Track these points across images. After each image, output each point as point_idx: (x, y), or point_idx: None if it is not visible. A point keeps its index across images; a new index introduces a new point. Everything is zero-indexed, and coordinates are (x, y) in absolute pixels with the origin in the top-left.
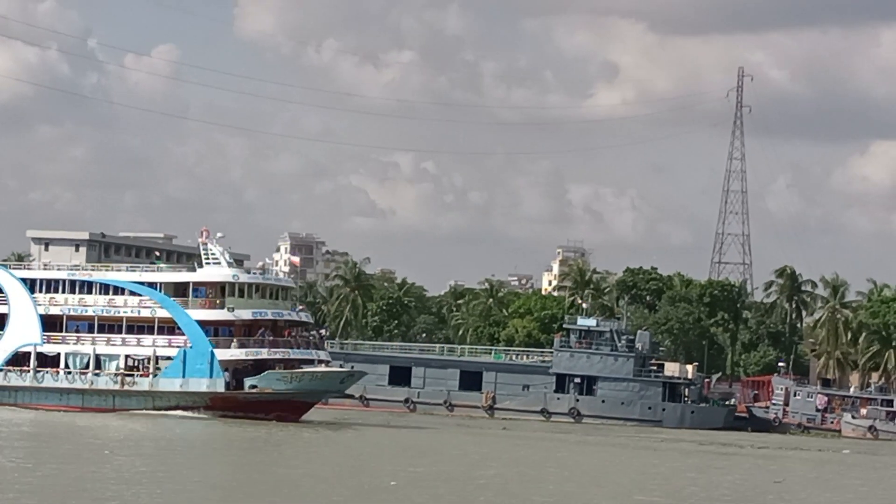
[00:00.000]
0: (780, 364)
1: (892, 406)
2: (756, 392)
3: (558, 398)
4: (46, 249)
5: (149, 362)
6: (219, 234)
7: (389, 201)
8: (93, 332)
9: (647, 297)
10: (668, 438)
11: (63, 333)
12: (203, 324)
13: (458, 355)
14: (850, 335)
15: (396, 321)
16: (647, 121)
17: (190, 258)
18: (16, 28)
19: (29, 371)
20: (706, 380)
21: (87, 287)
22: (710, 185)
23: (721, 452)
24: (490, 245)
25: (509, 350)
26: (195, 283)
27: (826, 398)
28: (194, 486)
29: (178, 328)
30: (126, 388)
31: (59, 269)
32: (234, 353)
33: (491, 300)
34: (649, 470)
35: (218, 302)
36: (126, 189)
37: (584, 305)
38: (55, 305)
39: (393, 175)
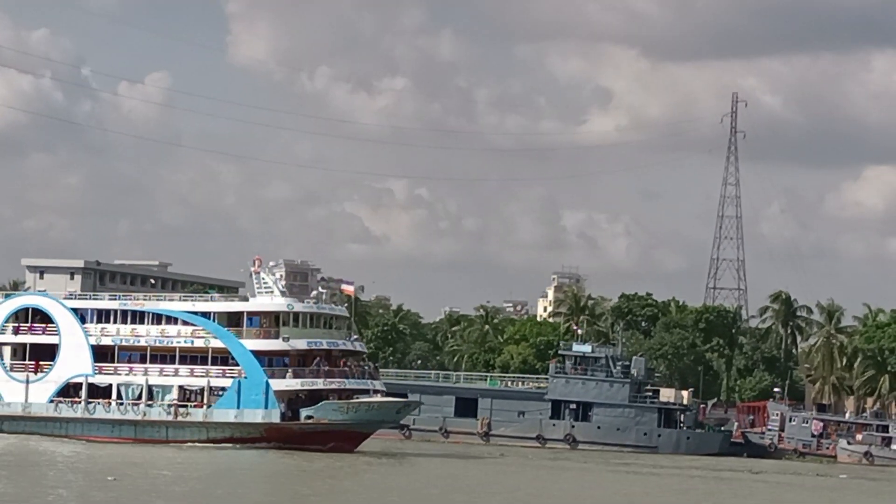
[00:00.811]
0: (776, 389)
1: (887, 432)
2: (752, 417)
3: (554, 424)
4: (41, 278)
5: (202, 393)
6: (271, 263)
7: (383, 228)
8: (145, 363)
9: (643, 323)
10: (666, 465)
11: (115, 364)
12: (257, 354)
13: (453, 382)
14: (845, 360)
15: (392, 348)
16: (640, 146)
17: (185, 286)
18: (9, 56)
19: (80, 402)
20: (702, 405)
21: (138, 317)
22: (704, 211)
23: (719, 478)
24: (485, 271)
25: (505, 376)
26: (249, 313)
27: (822, 424)
28: None
29: (233, 358)
30: (179, 419)
31: (110, 299)
32: (289, 383)
33: (486, 326)
34: (648, 496)
35: (272, 332)
36: (120, 217)
37: (580, 332)
38: (106, 336)
39: (387, 202)
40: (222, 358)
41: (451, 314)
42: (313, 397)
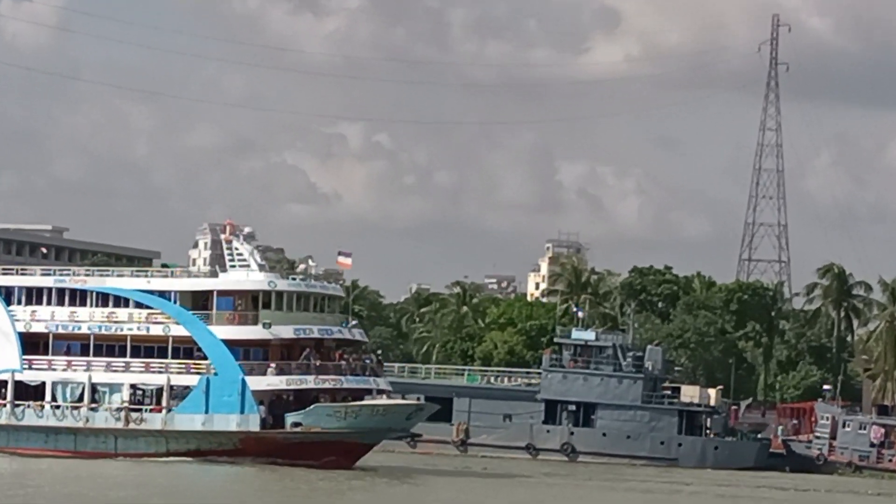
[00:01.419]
0: (826, 387)
1: None
2: (796, 422)
3: (548, 431)
4: None
5: (161, 394)
6: (246, 230)
7: (334, 184)
8: (87, 356)
9: (659, 304)
10: (689, 482)
11: (49, 357)
12: (231, 344)
13: (422, 378)
14: None
15: None
16: (656, 82)
17: (85, 256)
18: None
19: (4, 405)
20: (733, 407)
21: (79, 297)
22: (735, 163)
23: (757, 497)
24: (462, 239)
25: (487, 371)
26: (220, 292)
27: (882, 430)
28: None
29: (199, 349)
30: (132, 426)
31: (43, 275)
32: (271, 381)
33: (464, 308)
34: None
35: (249, 316)
36: (4, 169)
37: (581, 314)
38: (38, 321)
39: (338, 151)
40: (186, 349)
41: (419, 292)
42: (301, 399)
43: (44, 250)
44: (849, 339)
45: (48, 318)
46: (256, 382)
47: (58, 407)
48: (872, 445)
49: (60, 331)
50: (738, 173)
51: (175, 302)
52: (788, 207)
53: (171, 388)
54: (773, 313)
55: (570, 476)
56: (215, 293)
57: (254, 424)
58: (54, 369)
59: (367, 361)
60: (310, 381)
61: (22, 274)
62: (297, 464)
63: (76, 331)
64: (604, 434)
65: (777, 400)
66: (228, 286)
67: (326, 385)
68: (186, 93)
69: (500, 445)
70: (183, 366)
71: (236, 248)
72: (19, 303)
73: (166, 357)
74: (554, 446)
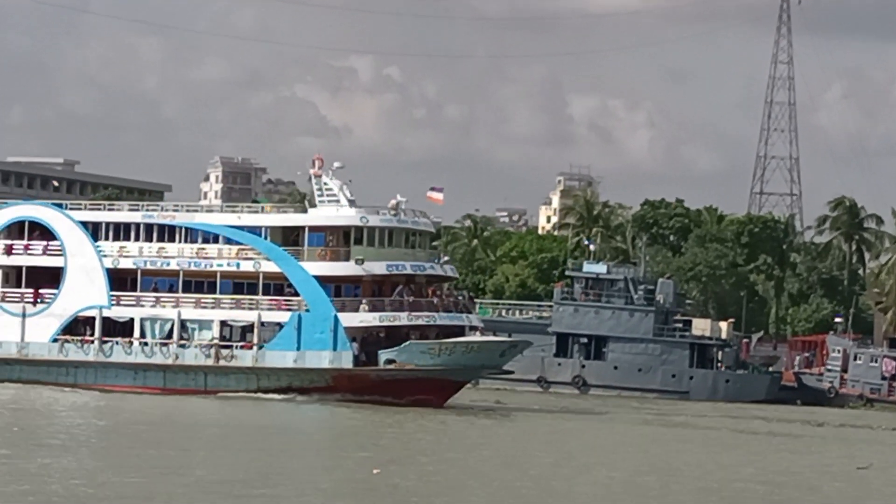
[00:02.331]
0: (838, 320)
1: None
2: (807, 355)
3: (559, 364)
4: None
5: (251, 330)
6: (336, 164)
7: (344, 117)
8: (176, 292)
9: (671, 237)
10: (700, 414)
11: (137, 293)
12: (323, 280)
13: None
14: None
15: None
16: (666, 15)
17: (96, 189)
18: None
19: (93, 342)
20: (744, 340)
21: (168, 233)
22: (747, 97)
23: (771, 432)
24: (472, 172)
25: (498, 304)
26: (311, 228)
27: (894, 363)
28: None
29: (290, 286)
30: (222, 363)
31: (131, 210)
32: (364, 318)
33: (474, 241)
34: (684, 456)
35: (341, 252)
36: (13, 102)
37: (592, 247)
38: (126, 257)
39: (348, 84)
40: (276, 285)
41: None
42: (391, 336)
43: (55, 183)
44: (860, 271)
45: (136, 253)
46: (349, 319)
47: (146, 344)
48: (884, 378)
49: (149, 267)
50: (749, 106)
51: (266, 238)
52: (800, 141)
53: (263, 324)
54: (784, 246)
55: (581, 410)
56: (306, 229)
57: (346, 361)
58: (143, 305)
59: (460, 298)
60: (403, 318)
61: (109, 209)
62: (388, 402)
63: (165, 267)
64: (615, 367)
65: (788, 333)
66: (320, 222)
67: (420, 322)
68: (196, 26)
69: (511, 378)
70: (274, 302)
71: (325, 184)
72: (106, 238)
73: (257, 293)
74: (565, 379)
